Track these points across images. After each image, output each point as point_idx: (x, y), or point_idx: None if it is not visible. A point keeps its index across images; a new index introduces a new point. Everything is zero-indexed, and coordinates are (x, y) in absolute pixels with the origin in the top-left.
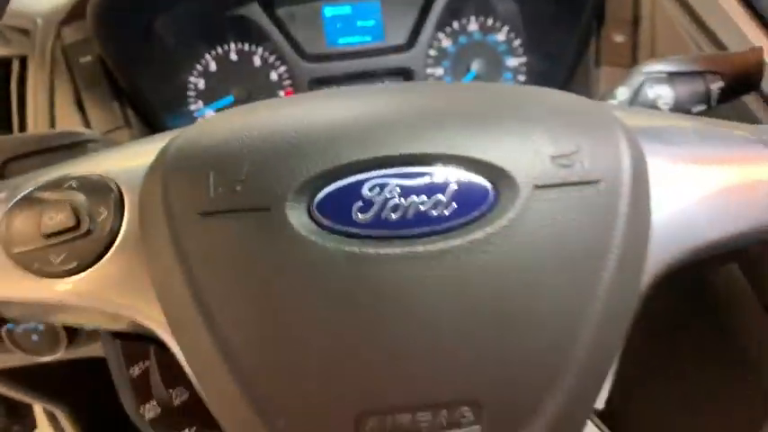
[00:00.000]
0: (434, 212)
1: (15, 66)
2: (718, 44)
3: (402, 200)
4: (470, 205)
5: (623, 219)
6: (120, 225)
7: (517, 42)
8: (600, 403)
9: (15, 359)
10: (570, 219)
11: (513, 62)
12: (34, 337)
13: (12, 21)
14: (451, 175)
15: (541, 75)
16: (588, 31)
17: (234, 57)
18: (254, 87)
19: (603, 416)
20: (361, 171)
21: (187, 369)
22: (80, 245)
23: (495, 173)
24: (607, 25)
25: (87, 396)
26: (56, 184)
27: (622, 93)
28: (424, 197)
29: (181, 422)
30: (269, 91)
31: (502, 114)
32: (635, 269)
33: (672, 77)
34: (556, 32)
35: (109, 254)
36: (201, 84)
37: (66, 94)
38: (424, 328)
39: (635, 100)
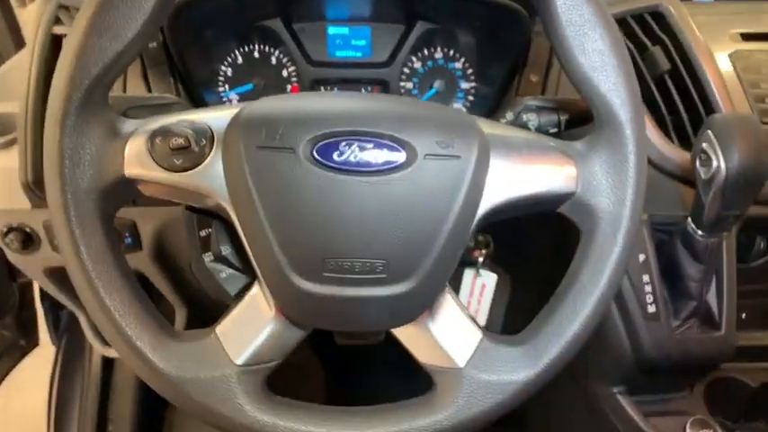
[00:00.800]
0: (374, 161)
1: None
2: None
3: (359, 153)
4: (392, 160)
5: (469, 177)
6: (212, 148)
7: (470, 71)
8: (482, 321)
9: None
10: (442, 174)
11: (465, 85)
12: None
13: None
14: (385, 143)
15: (483, 97)
16: (515, 70)
17: (256, 54)
18: (268, 80)
19: None
20: (339, 136)
21: (239, 231)
22: (191, 156)
23: (407, 146)
24: (528, 67)
25: None
26: (178, 123)
27: (509, 115)
28: (370, 153)
29: (226, 265)
30: (280, 84)
31: (417, 116)
32: (473, 204)
33: (538, 109)
34: (496, 67)
35: (205, 161)
36: (230, 72)
37: (136, 70)
38: (362, 217)
39: (515, 120)
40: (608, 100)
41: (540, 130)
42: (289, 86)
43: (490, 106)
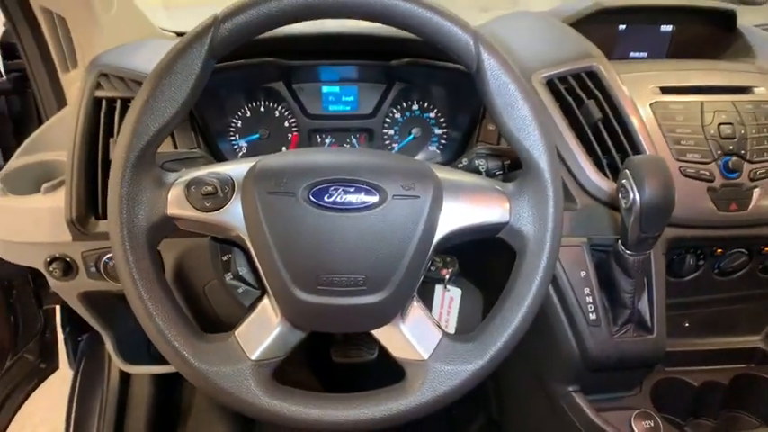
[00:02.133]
0: (355, 201)
1: (118, 105)
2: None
3: (344, 195)
4: (369, 201)
5: (427, 212)
6: (233, 194)
7: (441, 119)
8: (451, 328)
9: (108, 285)
10: (406, 210)
11: (438, 131)
12: None
13: (129, 74)
14: (363, 187)
15: (452, 141)
16: (476, 120)
17: (262, 109)
18: (273, 130)
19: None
20: (329, 183)
21: (253, 256)
22: (217, 199)
23: (380, 189)
24: (485, 119)
25: (129, 328)
26: (207, 175)
27: (464, 161)
28: (352, 195)
29: (242, 282)
30: (282, 134)
31: (388, 166)
32: (430, 232)
33: (487, 156)
34: (461, 117)
35: (228, 204)
36: (240, 124)
37: None
38: (346, 243)
39: (469, 165)
40: (531, 153)
41: (489, 173)
42: (290, 135)
43: (457, 149)
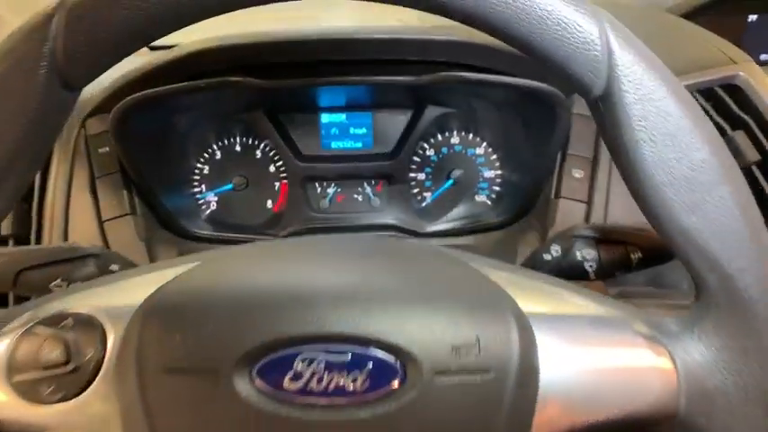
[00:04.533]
0: (351, 387)
1: None
2: None
3: (326, 374)
4: (381, 383)
5: (507, 408)
6: (103, 362)
7: (494, 156)
8: None
9: None
10: (461, 403)
11: (489, 174)
12: None
13: None
14: (369, 354)
15: (512, 188)
16: (553, 160)
17: (238, 148)
18: (253, 177)
19: None
20: (294, 345)
21: None
22: (67, 379)
23: (404, 355)
24: (568, 160)
25: None
26: (53, 321)
27: (555, 250)
28: (344, 372)
29: None
30: (266, 182)
31: (412, 296)
32: None
33: (599, 243)
34: (526, 154)
35: (89, 389)
36: (207, 170)
37: (83, 180)
38: None
39: (564, 256)
40: (722, 265)
41: (602, 270)
42: (277, 184)
43: (521, 203)
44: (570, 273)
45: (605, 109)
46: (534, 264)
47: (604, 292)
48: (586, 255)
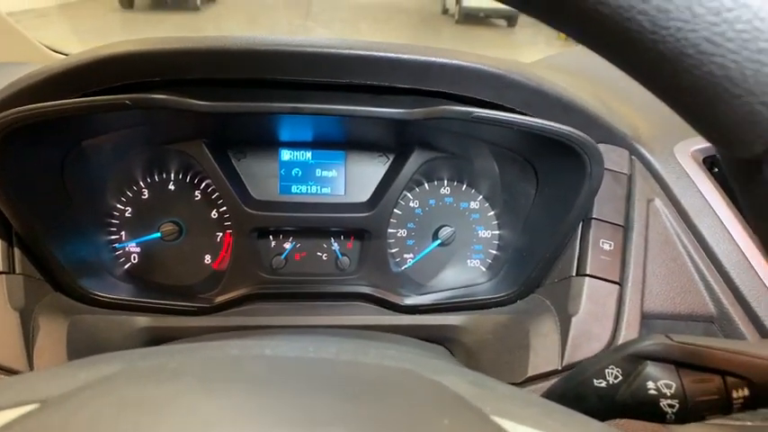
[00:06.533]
0: None
1: None
2: (711, 255)
3: None
4: None
5: None
6: None
7: (491, 213)
8: None
9: None
10: None
11: (485, 234)
12: None
13: None
14: None
15: (513, 255)
16: (573, 226)
17: (171, 187)
18: (189, 225)
19: None
20: None
21: None
22: None
23: None
24: (594, 228)
25: None
26: None
27: (613, 374)
28: None
29: None
30: (205, 231)
31: None
32: None
33: (679, 368)
34: (537, 215)
35: None
36: (129, 212)
37: None
38: None
39: (629, 387)
40: None
41: (688, 411)
42: (219, 235)
43: (526, 275)
44: (638, 411)
45: None
46: (579, 391)
47: None
48: (662, 387)
